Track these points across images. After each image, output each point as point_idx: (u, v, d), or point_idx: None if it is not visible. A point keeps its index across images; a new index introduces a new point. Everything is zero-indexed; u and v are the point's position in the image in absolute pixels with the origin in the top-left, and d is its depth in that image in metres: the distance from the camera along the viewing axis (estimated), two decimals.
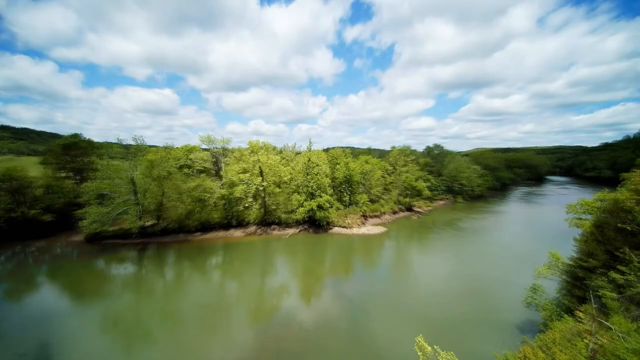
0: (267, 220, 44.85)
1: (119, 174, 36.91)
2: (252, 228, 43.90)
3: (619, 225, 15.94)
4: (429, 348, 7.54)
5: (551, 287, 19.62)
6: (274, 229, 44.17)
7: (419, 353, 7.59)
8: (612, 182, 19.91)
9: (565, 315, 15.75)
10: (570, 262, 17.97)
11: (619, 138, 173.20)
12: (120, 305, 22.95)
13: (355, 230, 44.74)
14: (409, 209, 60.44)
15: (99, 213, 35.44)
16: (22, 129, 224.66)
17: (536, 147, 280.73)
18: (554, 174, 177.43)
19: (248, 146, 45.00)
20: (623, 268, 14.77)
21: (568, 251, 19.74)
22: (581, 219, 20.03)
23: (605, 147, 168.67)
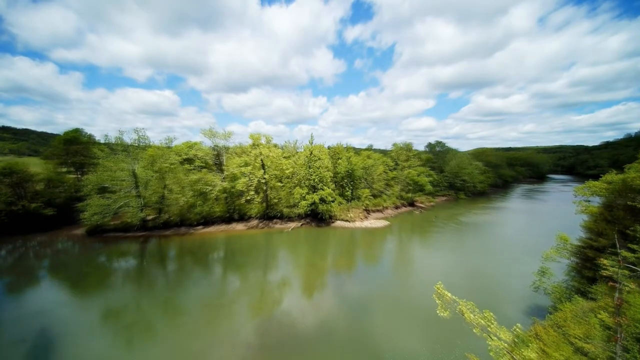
0: (269, 214, 44.64)
1: (120, 165, 36.74)
2: (254, 222, 43.68)
3: (629, 203, 15.72)
4: (449, 295, 7.32)
5: (559, 271, 19.34)
6: (276, 223, 43.94)
7: (437, 301, 7.38)
8: None
9: (576, 296, 15.48)
10: (580, 244, 17.73)
11: (620, 137, 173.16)
12: (122, 297, 22.63)
13: (358, 224, 44.49)
14: (411, 204, 60.19)
15: (100, 205, 35.29)
16: (23, 130, 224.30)
17: (537, 146, 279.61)
18: (555, 172, 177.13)
19: (250, 140, 44.87)
20: (634, 246, 14.52)
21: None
22: (589, 201, 19.81)
23: (607, 145, 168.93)
